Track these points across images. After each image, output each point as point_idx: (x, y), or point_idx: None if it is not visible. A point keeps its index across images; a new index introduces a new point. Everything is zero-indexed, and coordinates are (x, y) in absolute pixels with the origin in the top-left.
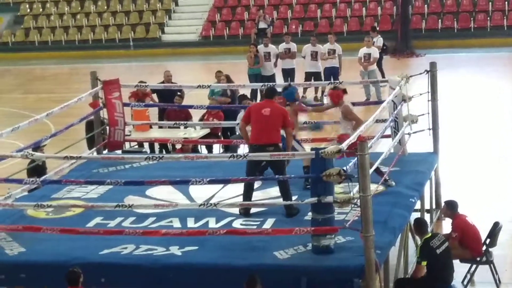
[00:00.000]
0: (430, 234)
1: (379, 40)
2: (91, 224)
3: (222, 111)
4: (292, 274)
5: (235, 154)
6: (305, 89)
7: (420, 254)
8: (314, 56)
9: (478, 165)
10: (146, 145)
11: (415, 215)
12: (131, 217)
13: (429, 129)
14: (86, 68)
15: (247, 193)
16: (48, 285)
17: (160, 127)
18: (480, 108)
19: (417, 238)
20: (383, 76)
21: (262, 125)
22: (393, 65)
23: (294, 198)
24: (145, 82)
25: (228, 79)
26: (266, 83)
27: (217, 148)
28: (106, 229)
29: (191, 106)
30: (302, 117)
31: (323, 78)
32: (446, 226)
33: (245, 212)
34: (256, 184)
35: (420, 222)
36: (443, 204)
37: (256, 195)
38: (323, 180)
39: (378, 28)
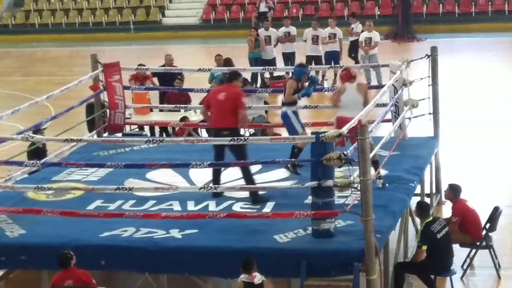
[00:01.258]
0: (431, 218)
1: (358, 27)
2: (91, 207)
3: None
4: (292, 257)
5: (235, 137)
6: None
7: (421, 238)
8: (315, 40)
9: (478, 150)
10: (146, 128)
11: (415, 199)
12: (131, 200)
13: (430, 113)
14: (86, 51)
15: (216, 176)
16: (48, 267)
17: (161, 110)
18: (481, 93)
19: (417, 222)
20: (357, 61)
21: (217, 109)
22: (394, 49)
23: (293, 182)
24: (145, 65)
25: (230, 63)
26: (266, 67)
27: None
28: (106, 212)
29: (191, 90)
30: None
31: (323, 62)
32: (446, 210)
33: (215, 195)
34: (256, 168)
35: (422, 205)
36: (446, 187)
37: (257, 178)
38: (323, 164)
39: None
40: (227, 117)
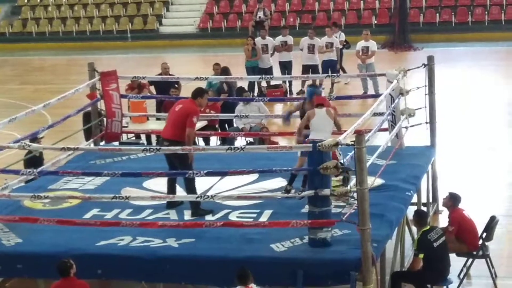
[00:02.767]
0: (428, 227)
1: (341, 35)
2: (88, 215)
3: (221, 104)
4: (289, 266)
5: (232, 146)
6: (303, 82)
7: (418, 246)
8: (311, 49)
9: (475, 159)
10: (143, 136)
11: (412, 209)
12: (128, 209)
13: (426, 122)
14: (83, 59)
15: (171, 187)
16: (45, 276)
17: (158, 119)
18: (477, 102)
19: (414, 231)
20: (343, 72)
21: (169, 119)
22: (390, 58)
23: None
24: (140, 76)
25: (227, 72)
26: (263, 75)
27: (214, 141)
28: (103, 221)
29: (187, 98)
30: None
31: (320, 70)
32: (443, 220)
33: (168, 205)
34: (253, 177)
35: (421, 214)
36: (442, 196)
37: (253, 188)
38: (320, 173)
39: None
40: (174, 129)
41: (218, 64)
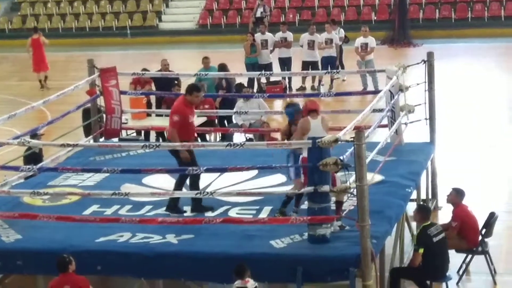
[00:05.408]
0: (428, 222)
1: (340, 32)
2: (87, 212)
3: (220, 100)
4: (288, 263)
5: (232, 143)
6: (303, 79)
7: (417, 241)
8: (311, 45)
9: (474, 155)
10: (143, 133)
11: (411, 205)
12: (127, 205)
13: (426, 119)
14: (83, 55)
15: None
16: (44, 272)
17: (158, 115)
18: (477, 98)
19: (413, 227)
20: (342, 68)
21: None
22: (390, 54)
23: (290, 187)
24: (148, 70)
25: (224, 68)
26: (263, 72)
27: (213, 137)
28: (102, 217)
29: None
30: None
31: (320, 67)
32: (442, 216)
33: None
34: (253, 173)
35: (424, 208)
36: (442, 192)
37: (254, 184)
38: (320, 170)
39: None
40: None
41: (207, 57)
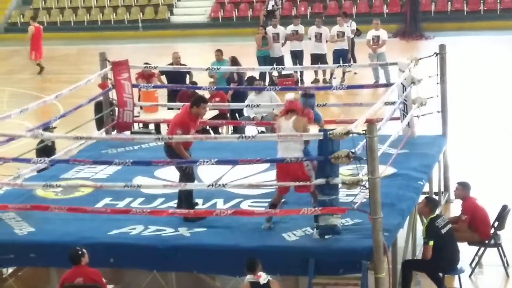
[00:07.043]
0: (435, 214)
1: (352, 24)
2: (99, 204)
3: (232, 93)
4: (300, 255)
5: (243, 135)
6: (316, 72)
7: (426, 234)
8: (318, 37)
9: (487, 148)
10: (151, 126)
11: (423, 198)
12: (139, 197)
13: (438, 111)
14: (95, 49)
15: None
16: (57, 264)
17: (170, 108)
18: (489, 91)
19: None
20: (354, 61)
21: None
22: (402, 47)
23: None
24: (150, 64)
25: (236, 62)
26: (275, 66)
27: (225, 130)
28: (113, 209)
29: (199, 88)
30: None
31: (329, 60)
32: (454, 209)
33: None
34: (264, 166)
35: (433, 200)
36: (455, 185)
37: (266, 176)
38: (331, 162)
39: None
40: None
41: (219, 50)
